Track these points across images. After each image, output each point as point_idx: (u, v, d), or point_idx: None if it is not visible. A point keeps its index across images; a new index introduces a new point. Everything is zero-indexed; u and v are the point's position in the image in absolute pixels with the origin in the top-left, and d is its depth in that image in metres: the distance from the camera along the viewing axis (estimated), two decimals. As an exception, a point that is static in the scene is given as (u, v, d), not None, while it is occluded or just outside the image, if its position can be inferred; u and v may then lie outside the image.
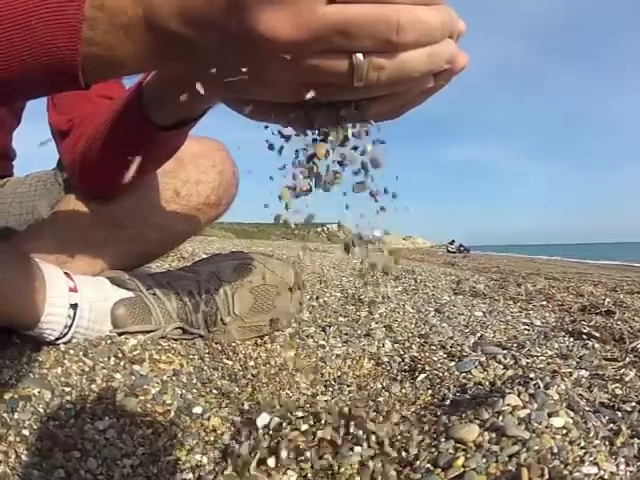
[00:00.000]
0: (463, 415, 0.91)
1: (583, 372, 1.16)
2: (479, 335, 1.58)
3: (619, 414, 0.92)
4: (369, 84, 0.60)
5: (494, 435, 0.82)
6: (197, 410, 0.99)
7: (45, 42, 0.65)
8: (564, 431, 0.83)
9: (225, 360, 1.24)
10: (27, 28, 0.64)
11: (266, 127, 0.75)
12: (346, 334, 1.54)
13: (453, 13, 0.61)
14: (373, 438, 0.84)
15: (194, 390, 1.08)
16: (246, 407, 1.03)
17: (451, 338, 1.54)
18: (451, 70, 0.65)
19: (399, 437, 0.85)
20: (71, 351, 1.12)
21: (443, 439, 0.83)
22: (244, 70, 0.63)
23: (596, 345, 1.47)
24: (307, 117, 0.70)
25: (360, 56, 0.58)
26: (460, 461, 0.77)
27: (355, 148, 0.70)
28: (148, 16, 0.63)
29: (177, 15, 0.61)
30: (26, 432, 0.86)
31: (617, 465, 0.75)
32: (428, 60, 0.60)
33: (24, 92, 0.74)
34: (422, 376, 1.21)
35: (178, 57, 0.67)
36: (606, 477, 0.72)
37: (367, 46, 0.57)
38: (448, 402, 1.06)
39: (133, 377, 1.06)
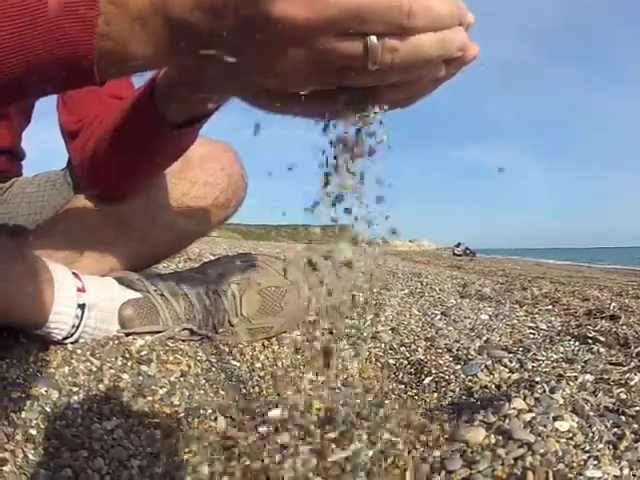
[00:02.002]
0: (469, 418, 0.91)
1: (588, 376, 1.16)
2: (485, 338, 1.58)
3: (623, 418, 0.92)
4: (383, 67, 0.61)
5: (500, 438, 0.82)
6: (204, 411, 0.99)
7: (60, 37, 0.65)
8: (569, 435, 0.84)
9: (232, 361, 1.24)
10: (43, 23, 0.65)
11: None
12: (353, 337, 1.54)
13: (462, 4, 0.63)
14: (378, 441, 0.85)
15: (201, 391, 1.08)
16: (253, 408, 1.03)
17: (457, 341, 1.54)
18: (462, 59, 0.66)
19: (405, 440, 0.85)
20: (78, 351, 1.13)
21: (449, 442, 0.83)
22: (259, 58, 0.64)
23: (601, 349, 1.47)
24: (325, 106, 0.71)
25: (374, 38, 0.59)
26: (466, 464, 0.78)
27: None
28: (163, 9, 0.63)
29: (192, 5, 0.62)
30: (33, 431, 0.86)
31: (621, 469, 0.75)
32: (438, 45, 0.62)
33: (39, 87, 0.74)
34: (428, 379, 1.22)
35: (193, 50, 0.67)
36: (609, 480, 0.73)
37: (380, 29, 0.59)
38: (454, 405, 1.06)
39: (141, 377, 1.07)
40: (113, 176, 1.26)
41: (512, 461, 0.77)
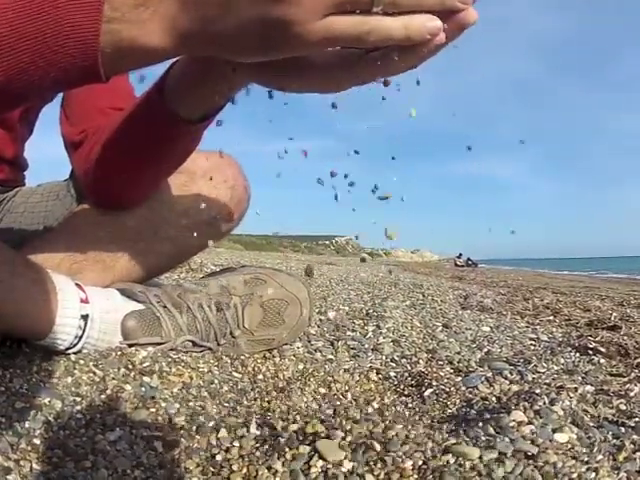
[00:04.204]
0: (469, 430, 0.92)
1: (588, 387, 1.17)
2: (486, 350, 1.59)
3: (623, 429, 0.93)
4: (386, 7, 0.65)
5: (499, 451, 0.83)
6: (206, 423, 0.99)
7: (65, 23, 0.65)
8: (568, 446, 0.84)
9: (234, 373, 1.25)
10: (49, 9, 0.65)
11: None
12: (354, 348, 1.54)
13: None
14: (379, 455, 0.85)
15: (203, 403, 1.08)
16: (254, 420, 1.03)
17: (458, 353, 1.54)
18: (462, 19, 0.69)
19: (405, 452, 0.86)
20: (81, 361, 1.13)
21: (449, 454, 0.83)
22: (272, 17, 0.65)
23: (602, 360, 1.47)
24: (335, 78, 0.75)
25: None
26: (466, 477, 0.78)
27: None
28: None
29: None
30: (37, 441, 0.86)
31: (619, 480, 0.76)
32: None
33: (42, 82, 0.71)
34: (429, 391, 1.22)
35: (202, 28, 0.68)
36: (608, 492, 0.73)
37: None
38: (454, 417, 1.07)
39: (143, 389, 1.07)
40: (118, 180, 1.25)
41: (511, 473, 0.77)
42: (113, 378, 1.09)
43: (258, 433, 0.95)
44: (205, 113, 1.04)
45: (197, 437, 0.95)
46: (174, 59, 0.98)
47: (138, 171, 1.20)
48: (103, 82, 0.73)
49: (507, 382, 1.24)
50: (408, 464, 0.82)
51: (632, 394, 1.13)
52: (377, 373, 1.36)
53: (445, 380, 1.28)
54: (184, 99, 1.01)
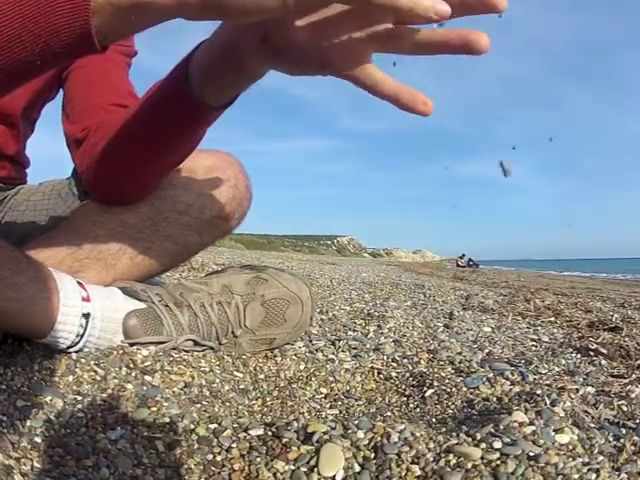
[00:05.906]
0: (470, 431, 0.92)
1: (589, 389, 1.17)
2: (487, 351, 1.58)
3: (624, 431, 0.93)
4: None
5: (501, 452, 0.83)
6: (208, 423, 0.99)
7: None
8: (569, 447, 0.84)
9: (236, 372, 1.25)
10: None
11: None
12: (355, 348, 1.54)
13: None
14: (380, 455, 0.85)
15: (205, 402, 1.08)
16: (256, 420, 1.03)
17: (459, 354, 1.54)
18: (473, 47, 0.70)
19: (406, 453, 0.85)
20: (82, 360, 1.13)
21: (450, 455, 0.83)
22: None
23: (603, 362, 1.47)
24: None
25: None
26: (468, 477, 0.78)
27: None
28: None
29: None
30: (38, 439, 0.86)
31: (620, 481, 0.76)
32: None
33: (34, 48, 0.69)
34: (430, 391, 1.22)
35: None
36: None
37: None
38: (456, 418, 1.07)
39: (145, 388, 1.07)
40: (125, 172, 1.24)
41: (512, 474, 0.77)
42: (114, 377, 1.09)
43: (259, 433, 0.95)
44: (226, 100, 1.03)
45: (198, 437, 0.95)
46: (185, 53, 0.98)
47: (145, 159, 1.19)
48: (98, 51, 0.71)
49: (508, 383, 1.24)
50: (409, 464, 0.82)
51: (633, 395, 1.13)
52: (378, 373, 1.36)
53: (446, 380, 1.28)
54: (207, 84, 0.99)
